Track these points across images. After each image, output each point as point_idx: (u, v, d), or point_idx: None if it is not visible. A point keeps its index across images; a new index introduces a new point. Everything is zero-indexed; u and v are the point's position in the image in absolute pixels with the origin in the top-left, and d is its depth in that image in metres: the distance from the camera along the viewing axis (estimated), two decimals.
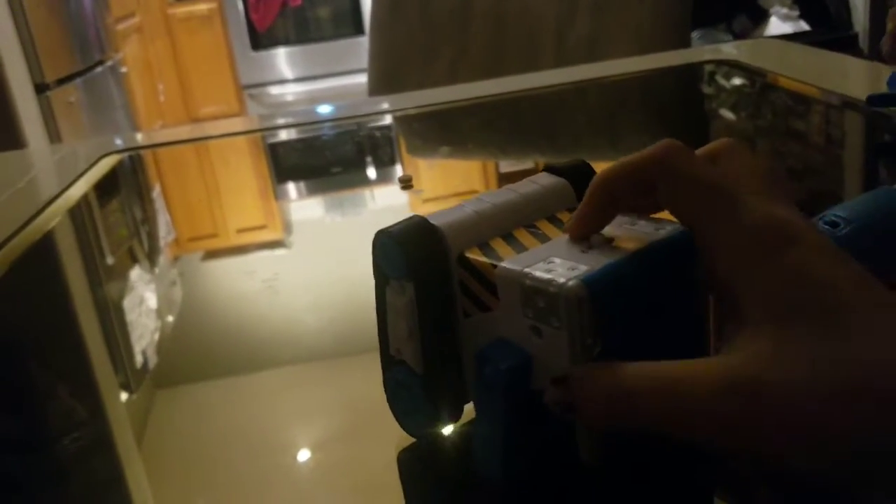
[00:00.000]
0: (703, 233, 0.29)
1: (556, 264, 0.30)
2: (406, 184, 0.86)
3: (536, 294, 0.29)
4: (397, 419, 0.37)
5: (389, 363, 0.36)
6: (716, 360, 0.28)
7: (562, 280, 0.29)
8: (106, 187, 0.96)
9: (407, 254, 0.32)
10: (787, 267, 0.27)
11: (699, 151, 0.32)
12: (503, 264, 0.31)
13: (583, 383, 0.29)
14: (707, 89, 1.13)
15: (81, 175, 0.93)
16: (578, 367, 0.29)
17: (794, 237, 0.28)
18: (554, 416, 0.30)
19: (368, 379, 0.51)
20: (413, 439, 0.39)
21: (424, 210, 0.84)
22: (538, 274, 0.30)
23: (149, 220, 0.91)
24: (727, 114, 1.01)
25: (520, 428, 0.32)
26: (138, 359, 0.59)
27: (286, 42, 4.37)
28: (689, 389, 0.27)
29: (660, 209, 0.32)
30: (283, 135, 1.19)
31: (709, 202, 0.29)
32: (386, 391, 0.37)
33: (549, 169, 0.37)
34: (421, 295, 0.33)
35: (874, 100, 0.80)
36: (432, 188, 0.91)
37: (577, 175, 0.37)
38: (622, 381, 0.28)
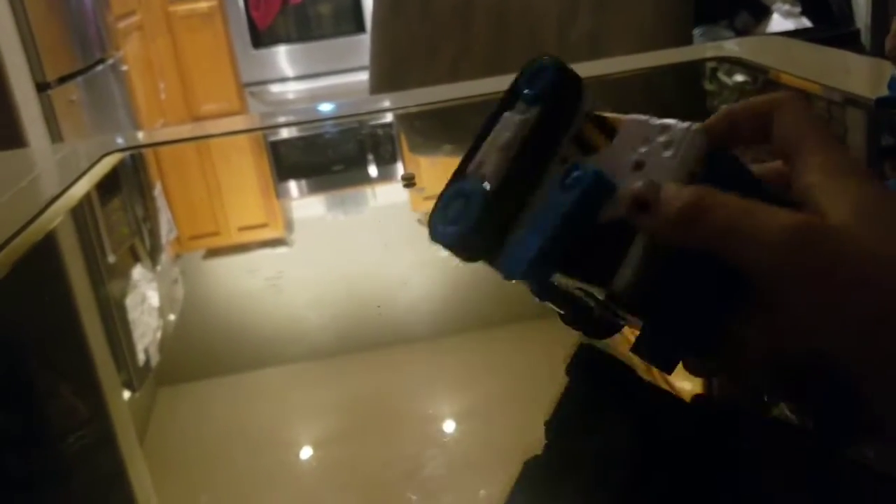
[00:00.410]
0: (804, 155, 0.33)
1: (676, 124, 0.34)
2: (408, 182, 0.86)
3: (662, 131, 0.34)
4: (433, 230, 0.37)
5: (458, 177, 0.37)
6: (800, 213, 0.30)
7: (686, 125, 0.33)
8: (108, 186, 0.96)
9: (559, 77, 0.36)
10: (874, 189, 0.31)
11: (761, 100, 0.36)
12: (631, 115, 0.36)
13: (667, 189, 0.32)
14: (709, 86, 1.13)
15: (83, 174, 0.93)
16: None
17: (872, 174, 0.32)
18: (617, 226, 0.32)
19: (370, 377, 0.51)
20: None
21: (426, 207, 0.85)
22: (665, 119, 0.34)
23: (150, 218, 0.91)
24: None
25: (568, 237, 0.33)
26: (140, 357, 0.59)
27: (287, 40, 4.37)
28: (765, 221, 0.29)
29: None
30: (285, 133, 1.19)
31: (813, 132, 0.33)
32: (436, 206, 0.37)
33: None
34: (543, 117, 0.36)
35: (882, 102, 0.80)
36: (433, 186, 0.91)
37: None
38: (703, 196, 0.31)
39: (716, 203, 0.30)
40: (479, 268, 0.67)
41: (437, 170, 0.98)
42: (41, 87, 2.58)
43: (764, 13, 2.98)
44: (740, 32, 2.93)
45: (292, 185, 1.05)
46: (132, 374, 0.57)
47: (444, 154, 1.02)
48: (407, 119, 1.15)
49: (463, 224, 0.35)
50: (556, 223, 0.33)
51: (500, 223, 0.35)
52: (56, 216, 0.82)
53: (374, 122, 1.15)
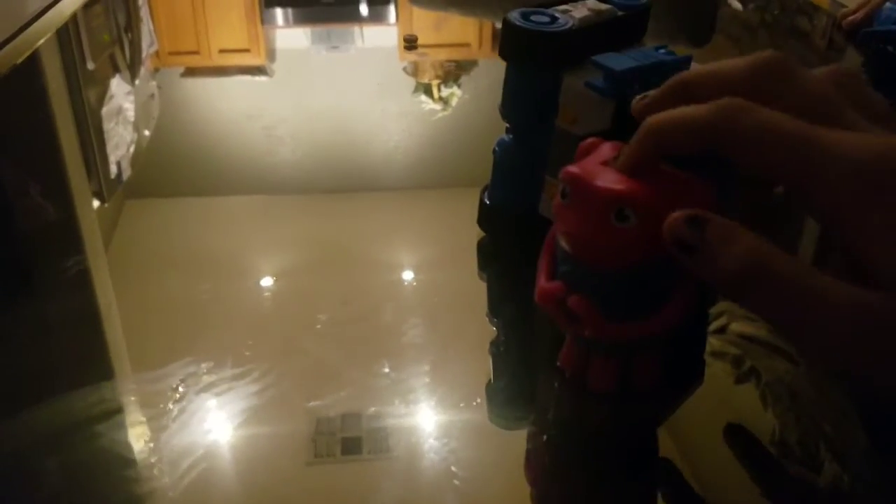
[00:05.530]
0: (798, 184, 0.25)
1: None
2: (411, 44, 0.85)
3: None
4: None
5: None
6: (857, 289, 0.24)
7: None
8: None
9: None
10: None
11: (746, 65, 0.27)
12: None
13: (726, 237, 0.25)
14: None
15: None
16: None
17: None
18: None
19: (337, 218, 0.52)
20: None
21: (413, 57, 0.83)
22: None
23: (132, 28, 0.88)
24: (735, 3, 0.99)
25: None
26: (112, 168, 0.59)
27: None
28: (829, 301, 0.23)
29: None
30: None
31: (794, 154, 0.25)
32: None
33: None
34: None
35: (868, 35, 0.79)
36: (424, 38, 0.89)
37: None
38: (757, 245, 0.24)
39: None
40: (457, 125, 0.67)
41: (437, 35, 0.96)
42: None
43: None
44: None
45: (278, 13, 1.02)
46: (102, 184, 0.57)
47: (442, 6, 0.99)
48: None
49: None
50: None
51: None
52: (41, 24, 0.79)
53: None
